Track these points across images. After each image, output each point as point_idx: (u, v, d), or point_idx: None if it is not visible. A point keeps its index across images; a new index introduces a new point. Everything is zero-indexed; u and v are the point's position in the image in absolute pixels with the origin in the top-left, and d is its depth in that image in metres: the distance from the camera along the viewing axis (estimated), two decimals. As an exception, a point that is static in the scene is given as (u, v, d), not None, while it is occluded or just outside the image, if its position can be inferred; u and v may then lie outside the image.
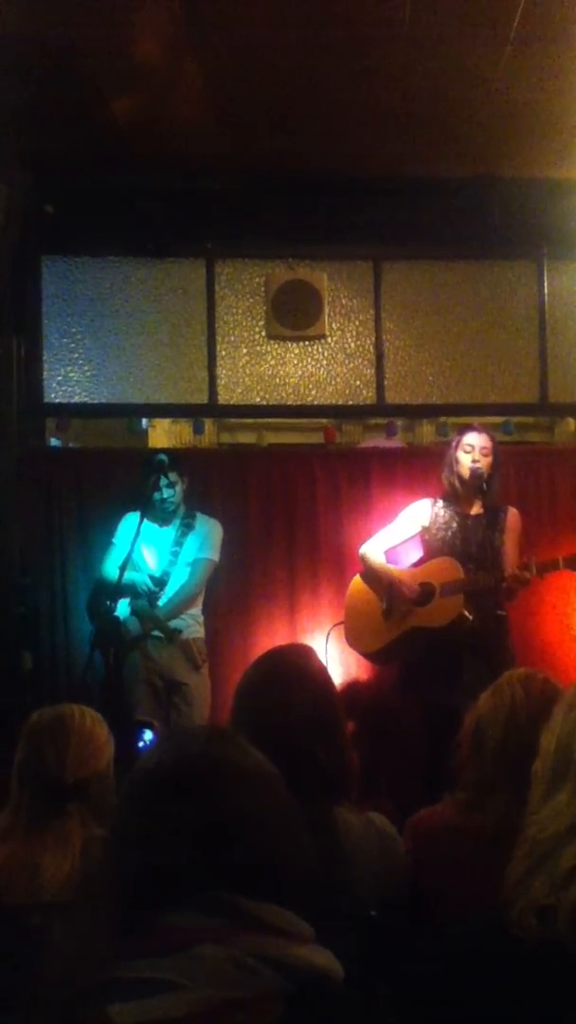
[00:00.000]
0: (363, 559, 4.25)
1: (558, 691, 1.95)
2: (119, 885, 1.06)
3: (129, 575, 4.03)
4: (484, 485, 4.01)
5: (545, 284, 5.04)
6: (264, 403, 5.03)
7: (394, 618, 4.09)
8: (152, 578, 4.22)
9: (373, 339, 5.02)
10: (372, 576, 4.22)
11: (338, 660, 4.50)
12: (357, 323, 5.03)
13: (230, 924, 1.00)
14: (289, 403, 5.03)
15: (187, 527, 4.32)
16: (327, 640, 4.44)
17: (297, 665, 1.90)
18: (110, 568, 4.14)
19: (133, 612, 4.18)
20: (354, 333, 5.03)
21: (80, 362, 4.96)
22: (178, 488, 4.27)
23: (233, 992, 0.95)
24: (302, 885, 1.09)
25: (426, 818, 2.00)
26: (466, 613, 3.86)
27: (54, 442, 5.15)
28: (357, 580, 4.32)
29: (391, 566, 4.21)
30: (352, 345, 5.03)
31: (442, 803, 2.01)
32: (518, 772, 1.56)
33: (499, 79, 3.89)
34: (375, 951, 1.55)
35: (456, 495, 4.09)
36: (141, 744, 3.81)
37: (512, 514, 4.14)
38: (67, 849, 1.89)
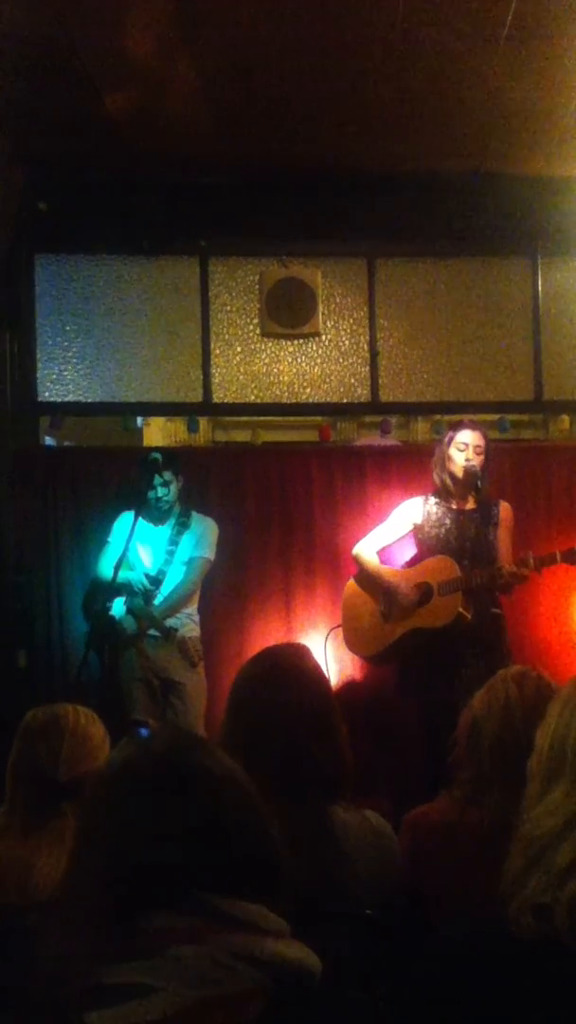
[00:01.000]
0: (357, 560, 4.24)
1: (552, 688, 1.96)
2: (93, 888, 1.05)
3: (125, 574, 4.02)
4: (478, 482, 4.00)
5: (540, 281, 5.04)
6: (259, 401, 5.03)
7: (393, 620, 4.08)
8: (148, 577, 4.21)
9: (367, 337, 5.02)
10: (367, 579, 4.21)
11: (337, 662, 4.50)
12: (351, 321, 5.03)
13: (205, 923, 1.00)
14: (284, 401, 5.03)
15: (183, 525, 4.31)
16: (326, 643, 4.44)
17: (293, 664, 1.90)
18: (105, 567, 4.13)
19: (129, 611, 4.17)
20: (348, 331, 5.03)
21: (74, 360, 4.95)
22: (173, 487, 4.26)
23: (211, 991, 0.96)
24: (277, 882, 1.09)
25: (423, 815, 2.00)
26: (465, 612, 3.86)
27: (48, 441, 5.14)
28: (352, 583, 4.31)
29: (386, 567, 4.20)
30: (346, 343, 5.03)
31: (439, 800, 2.01)
32: (514, 769, 1.56)
33: (493, 77, 3.89)
34: (372, 949, 1.55)
35: (448, 492, 4.08)
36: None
37: (504, 508, 4.13)
38: (62, 850, 1.88)
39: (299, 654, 1.97)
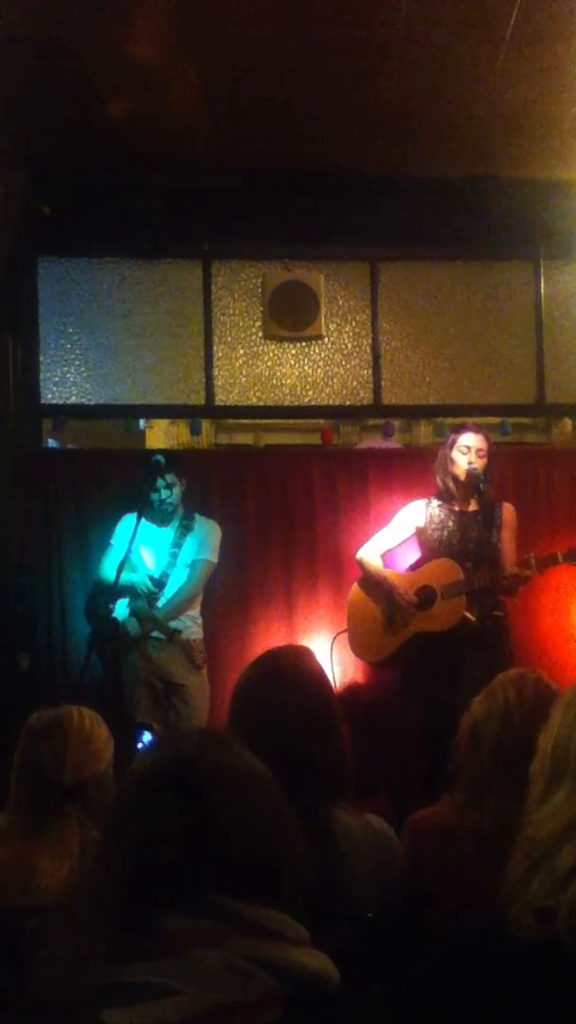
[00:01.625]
0: (360, 564, 4.25)
1: (552, 691, 1.96)
2: (114, 887, 1.06)
3: (128, 576, 4.03)
4: (480, 485, 4.00)
5: (542, 285, 5.04)
6: (261, 404, 5.03)
7: (397, 625, 4.08)
8: (151, 579, 4.21)
9: (370, 340, 5.02)
10: (370, 583, 4.21)
11: (340, 665, 4.50)
12: (354, 324, 5.04)
13: (224, 927, 1.00)
14: (286, 404, 5.03)
15: (186, 528, 4.31)
16: (331, 648, 4.43)
17: (293, 666, 1.90)
18: (108, 569, 4.14)
19: (132, 613, 4.17)
20: (351, 334, 5.03)
21: (77, 363, 4.95)
22: (176, 489, 4.26)
23: (228, 995, 0.95)
24: (297, 887, 1.09)
25: (425, 819, 2.00)
26: (469, 615, 3.85)
27: (51, 443, 5.14)
28: (356, 588, 4.31)
29: (389, 571, 4.20)
30: (349, 346, 5.03)
31: (440, 803, 2.01)
32: (514, 772, 1.56)
33: (496, 80, 3.89)
34: (373, 952, 1.55)
35: (451, 494, 4.09)
36: (139, 746, 3.80)
37: (507, 509, 4.13)
38: (65, 852, 1.88)
39: (300, 656, 1.97)
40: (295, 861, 1.10)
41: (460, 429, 4.13)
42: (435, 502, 4.13)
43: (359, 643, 4.28)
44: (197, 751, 1.14)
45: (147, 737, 3.96)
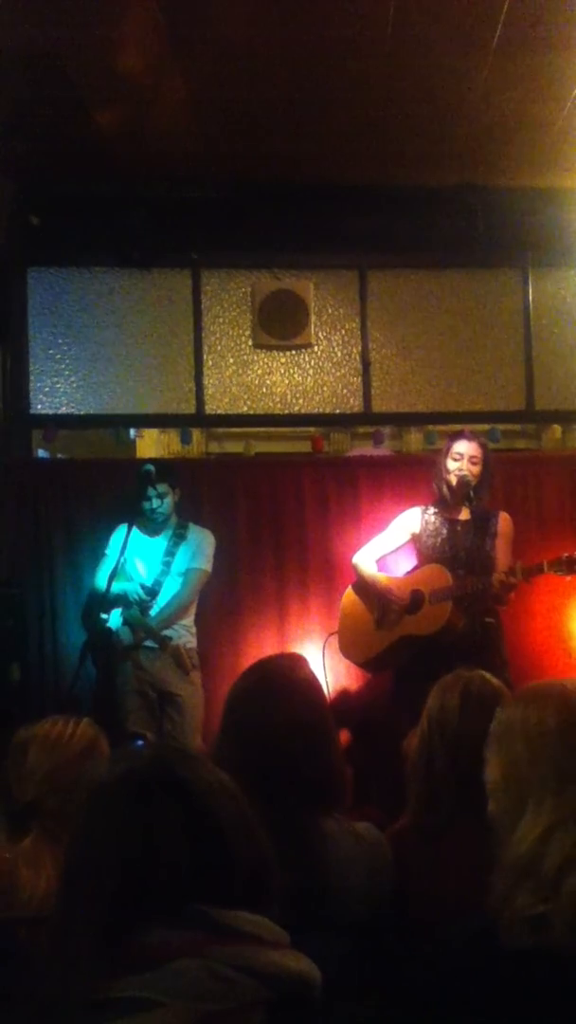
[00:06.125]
0: (355, 569, 4.26)
1: (494, 688, 2.00)
2: (90, 902, 1.05)
3: (121, 585, 4.02)
4: (471, 492, 4.01)
5: (530, 292, 5.06)
6: (251, 412, 5.03)
7: (385, 627, 4.09)
8: (143, 587, 4.20)
9: (359, 348, 5.03)
10: (363, 586, 4.23)
11: (333, 670, 4.49)
12: (343, 332, 5.04)
13: (205, 935, 0.99)
14: (276, 412, 5.04)
15: (179, 537, 4.30)
16: (323, 650, 4.43)
17: (284, 675, 1.89)
18: (101, 579, 4.12)
19: (125, 622, 4.16)
20: (340, 342, 5.04)
21: (67, 373, 4.95)
22: (168, 499, 4.26)
23: (213, 1004, 0.95)
24: (274, 892, 1.08)
25: (406, 827, 2.00)
26: (455, 619, 3.86)
27: (41, 453, 5.13)
28: (350, 591, 4.32)
29: (381, 575, 4.21)
30: (339, 354, 5.04)
31: (424, 812, 2.01)
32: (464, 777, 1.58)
33: (483, 87, 3.91)
34: (365, 961, 1.54)
35: (445, 501, 4.10)
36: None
37: (503, 519, 4.14)
38: (46, 865, 1.87)
39: (291, 665, 1.95)
40: (270, 866, 1.10)
41: (455, 436, 4.14)
42: (431, 509, 4.15)
43: (348, 642, 4.28)
44: (163, 763, 1.14)
45: (139, 746, 3.94)
